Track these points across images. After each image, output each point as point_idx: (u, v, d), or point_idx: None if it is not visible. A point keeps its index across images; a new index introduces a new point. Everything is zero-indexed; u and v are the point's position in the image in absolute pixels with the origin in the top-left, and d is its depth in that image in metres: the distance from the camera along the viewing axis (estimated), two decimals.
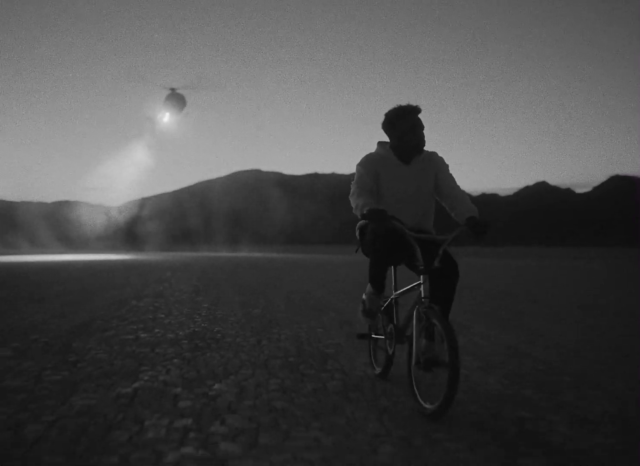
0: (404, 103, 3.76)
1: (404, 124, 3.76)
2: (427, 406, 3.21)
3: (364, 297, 4.10)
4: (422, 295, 3.43)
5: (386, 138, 3.95)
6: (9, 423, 3.18)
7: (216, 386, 4.06)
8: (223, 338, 6.11)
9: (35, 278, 15.96)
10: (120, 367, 4.61)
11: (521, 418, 3.39)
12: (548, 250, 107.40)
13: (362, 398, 3.79)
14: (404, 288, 3.86)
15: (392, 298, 4.02)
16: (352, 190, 3.80)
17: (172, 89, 49.91)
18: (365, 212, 3.49)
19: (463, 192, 3.88)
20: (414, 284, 3.67)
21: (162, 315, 7.88)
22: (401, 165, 3.86)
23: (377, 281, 3.88)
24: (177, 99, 50.12)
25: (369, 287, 3.99)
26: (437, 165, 3.92)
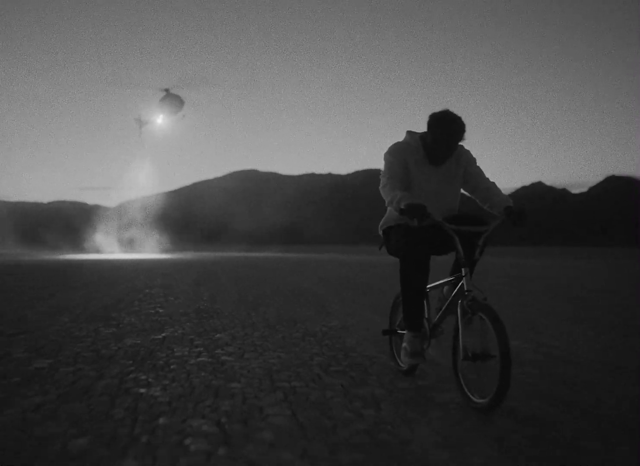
0: (452, 109, 3.67)
1: (442, 130, 3.61)
2: (477, 400, 3.17)
3: (404, 344, 3.80)
4: (465, 288, 3.35)
5: (415, 129, 3.91)
6: (92, 348, 5.21)
7: (217, 335, 6.08)
8: (222, 312, 8.08)
9: (64, 273, 18.15)
10: (150, 327, 6.61)
11: None
12: (545, 249, 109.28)
13: (315, 340, 5.80)
14: (438, 282, 3.80)
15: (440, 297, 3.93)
16: (382, 182, 3.67)
17: (167, 90, 48.46)
18: (403, 207, 3.35)
19: (493, 183, 3.81)
20: (450, 278, 3.65)
21: (172, 298, 9.88)
22: (429, 165, 3.77)
23: (414, 309, 3.68)
24: (173, 100, 48.82)
25: (407, 333, 3.77)
26: (465, 160, 3.82)
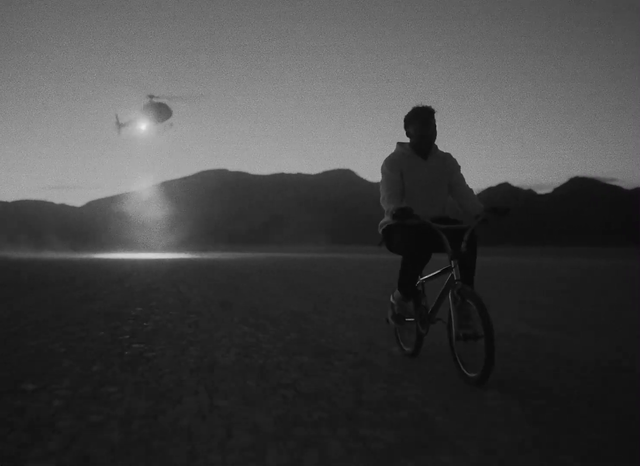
0: (420, 104, 4.14)
1: (417, 120, 4.08)
2: (471, 375, 3.52)
3: (392, 301, 4.39)
4: (455, 278, 3.74)
5: (404, 139, 4.31)
6: (135, 320, 5.49)
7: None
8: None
9: (77, 268, 18.43)
10: (175, 300, 6.93)
11: None
12: (511, 249, 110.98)
13: (275, 304, 6.16)
14: (432, 274, 4.21)
15: (419, 283, 4.28)
16: (382, 194, 4.16)
17: (151, 97, 48.66)
18: (393, 213, 3.83)
19: (471, 190, 4.22)
20: (442, 269, 4.04)
21: (179, 289, 10.14)
22: (419, 160, 4.18)
23: (408, 287, 4.16)
24: (159, 108, 49.05)
25: (397, 293, 4.29)
26: (452, 165, 4.25)
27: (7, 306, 6.96)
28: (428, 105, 4.10)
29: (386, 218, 4.20)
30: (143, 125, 50.21)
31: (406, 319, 4.35)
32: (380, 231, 4.32)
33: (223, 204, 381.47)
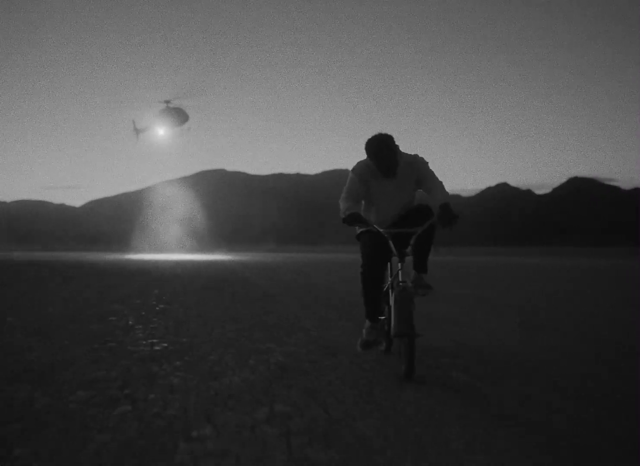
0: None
1: (371, 152, 4.24)
2: (403, 368, 3.82)
3: (363, 331, 4.51)
4: (400, 280, 3.93)
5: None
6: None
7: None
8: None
9: (95, 265, 18.52)
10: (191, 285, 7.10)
11: None
12: (509, 250, 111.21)
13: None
14: (394, 275, 4.27)
15: (388, 284, 4.37)
16: (342, 195, 4.32)
17: (167, 102, 49.06)
18: (344, 216, 4.08)
19: (441, 182, 4.29)
20: (397, 270, 4.11)
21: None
22: (384, 179, 4.34)
23: (371, 303, 4.32)
24: (176, 113, 49.79)
25: (367, 322, 4.44)
26: (418, 167, 4.34)
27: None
28: (383, 133, 4.24)
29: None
30: (161, 130, 50.88)
31: (376, 341, 4.45)
32: (356, 237, 4.52)
33: (224, 204, 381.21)
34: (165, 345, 4.71)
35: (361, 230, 4.40)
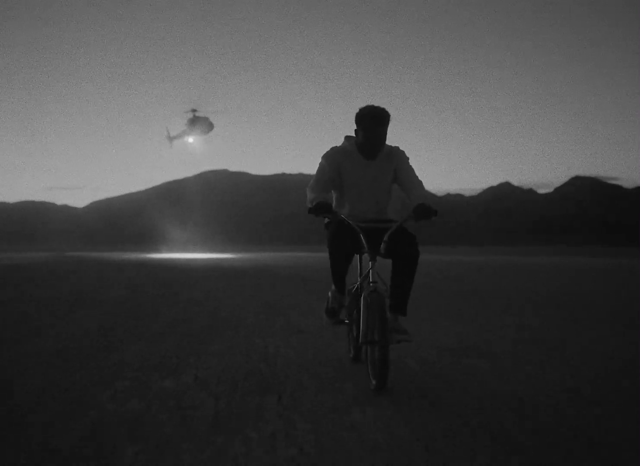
0: (377, 104, 3.83)
1: (369, 124, 3.79)
2: (373, 381, 3.47)
3: (328, 294, 4.28)
4: (370, 280, 3.60)
5: (353, 133, 4.02)
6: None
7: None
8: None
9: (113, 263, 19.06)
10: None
11: None
12: (514, 249, 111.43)
13: None
14: (364, 275, 3.95)
15: (357, 285, 4.09)
16: (310, 182, 3.95)
17: (194, 111, 52.16)
18: (311, 205, 3.71)
19: (420, 182, 3.96)
20: (368, 269, 3.72)
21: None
22: (363, 160, 3.95)
23: (338, 277, 4.00)
24: (203, 122, 53.19)
25: (332, 287, 4.17)
26: (397, 159, 3.99)
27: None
28: (382, 107, 3.82)
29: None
30: (190, 138, 54.27)
31: (342, 320, 4.23)
32: (324, 226, 4.19)
33: (226, 205, 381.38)
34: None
35: (328, 220, 4.04)
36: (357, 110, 3.85)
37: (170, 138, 53.51)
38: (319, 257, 38.58)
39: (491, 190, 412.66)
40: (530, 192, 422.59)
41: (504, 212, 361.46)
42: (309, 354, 4.68)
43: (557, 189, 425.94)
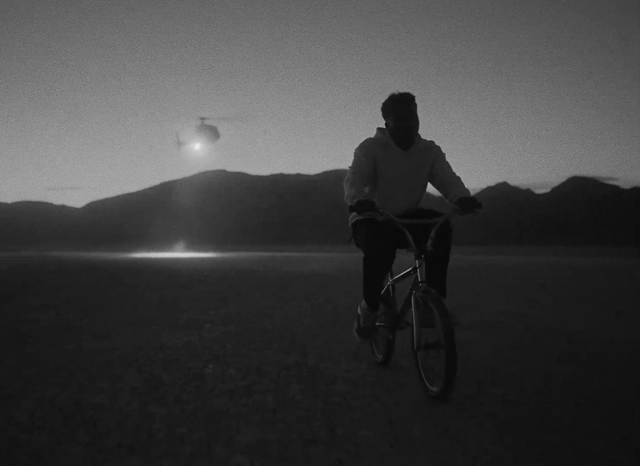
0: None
1: (395, 109, 3.68)
2: (432, 388, 3.20)
3: (358, 311, 3.99)
4: (419, 279, 3.40)
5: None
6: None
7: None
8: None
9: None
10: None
11: None
12: (509, 249, 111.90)
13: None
14: (400, 274, 3.84)
15: (389, 285, 3.95)
16: (347, 176, 3.71)
17: (202, 119, 53.33)
18: (352, 204, 3.46)
19: (458, 178, 3.80)
20: (409, 269, 3.62)
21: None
22: (399, 151, 3.78)
23: (373, 291, 3.77)
24: (210, 131, 54.49)
25: (363, 303, 3.89)
26: (434, 154, 3.86)
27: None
28: (406, 91, 3.70)
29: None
30: (197, 145, 55.75)
31: (375, 328, 3.95)
32: (350, 225, 3.96)
33: (222, 206, 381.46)
34: None
35: (357, 218, 3.84)
36: (382, 103, 3.77)
37: (179, 144, 54.63)
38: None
39: (489, 190, 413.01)
40: (527, 192, 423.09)
41: (501, 212, 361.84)
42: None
43: (554, 189, 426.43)
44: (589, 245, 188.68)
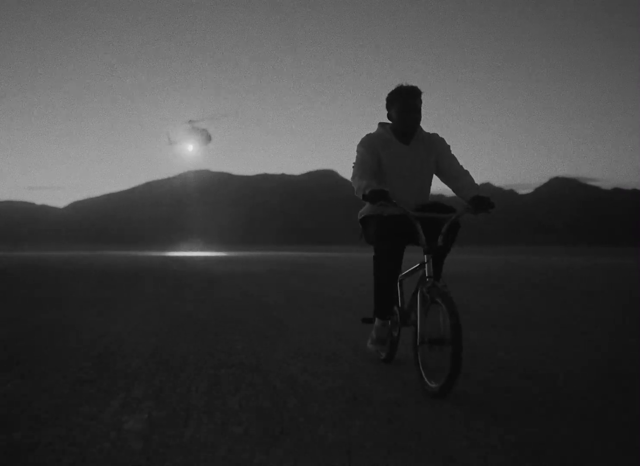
0: (404, 83, 3.68)
1: (400, 101, 3.63)
2: (432, 385, 3.11)
3: (372, 331, 3.97)
4: (426, 274, 3.35)
5: (386, 120, 3.84)
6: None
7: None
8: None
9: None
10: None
11: None
12: (493, 249, 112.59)
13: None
14: (408, 270, 3.75)
15: (399, 279, 3.86)
16: (353, 172, 3.65)
17: (191, 121, 53.89)
18: (366, 193, 3.34)
19: (467, 171, 3.73)
20: (417, 265, 3.57)
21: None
22: (401, 145, 3.73)
23: (384, 302, 3.75)
24: (201, 134, 55.12)
25: (376, 321, 3.88)
26: (438, 146, 3.78)
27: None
28: (414, 85, 3.63)
29: (366, 205, 3.82)
30: (190, 146, 56.75)
31: (389, 334, 3.91)
32: (359, 221, 3.91)
33: (206, 205, 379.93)
34: None
35: (365, 214, 3.82)
36: (388, 94, 3.71)
37: (171, 143, 55.04)
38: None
39: None
40: (510, 193, 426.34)
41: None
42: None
43: (537, 190, 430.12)
44: (571, 245, 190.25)
